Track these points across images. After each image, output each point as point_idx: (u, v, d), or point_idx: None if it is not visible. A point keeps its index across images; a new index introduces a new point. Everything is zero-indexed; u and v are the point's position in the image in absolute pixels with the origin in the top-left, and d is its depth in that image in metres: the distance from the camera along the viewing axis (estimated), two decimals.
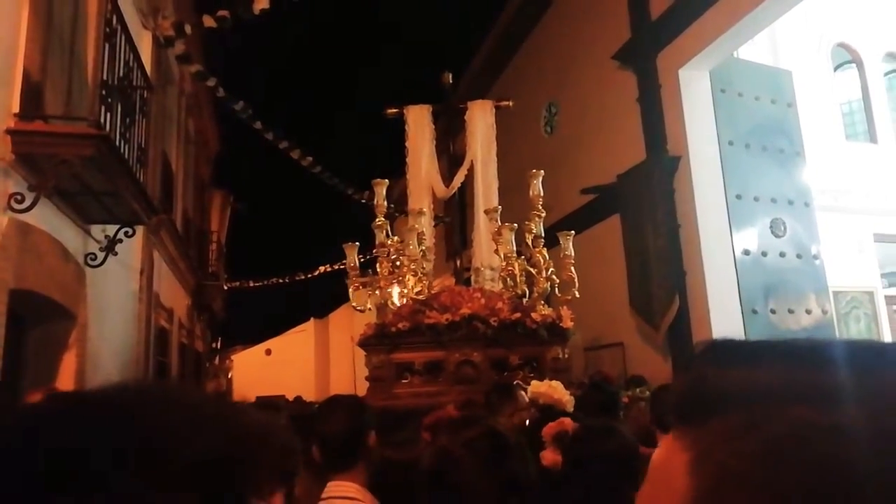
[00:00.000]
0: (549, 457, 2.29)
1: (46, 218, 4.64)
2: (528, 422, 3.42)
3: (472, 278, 7.53)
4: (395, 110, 7.97)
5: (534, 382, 3.89)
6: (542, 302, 6.53)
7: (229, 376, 24.52)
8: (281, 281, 21.19)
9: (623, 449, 2.01)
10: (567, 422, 2.39)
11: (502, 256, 6.77)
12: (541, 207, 6.90)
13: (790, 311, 7.97)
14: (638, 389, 6.23)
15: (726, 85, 8.35)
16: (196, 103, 12.56)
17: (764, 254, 8.04)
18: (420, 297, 6.66)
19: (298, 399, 11.52)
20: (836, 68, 10.88)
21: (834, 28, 10.67)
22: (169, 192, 9.48)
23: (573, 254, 6.73)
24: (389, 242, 6.96)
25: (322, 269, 20.79)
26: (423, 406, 5.23)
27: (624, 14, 9.21)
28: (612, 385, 6.13)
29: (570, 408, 3.63)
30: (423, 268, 7.04)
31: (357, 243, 7.12)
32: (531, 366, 6.20)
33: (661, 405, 3.06)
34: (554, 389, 3.68)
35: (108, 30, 4.67)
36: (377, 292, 6.92)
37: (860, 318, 9.61)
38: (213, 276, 14.59)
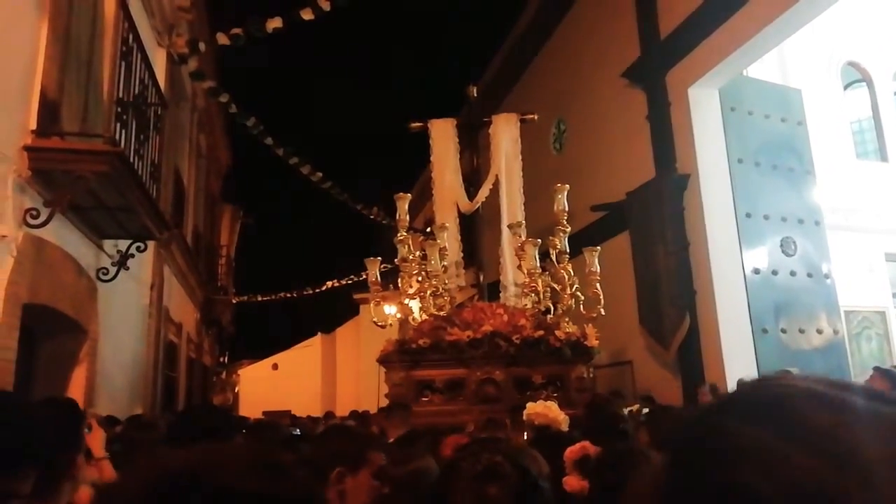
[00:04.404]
0: (575, 483, 2.24)
1: (60, 233, 4.67)
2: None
3: (501, 295, 7.44)
4: (419, 124, 7.91)
5: (529, 404, 3.86)
6: (567, 319, 6.45)
7: (236, 391, 24.49)
8: (289, 296, 21.23)
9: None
10: (589, 446, 2.35)
11: (525, 272, 6.70)
12: (565, 222, 6.86)
13: (801, 331, 7.91)
14: (633, 409, 6.08)
15: (736, 103, 8.36)
16: (208, 119, 12.67)
17: (774, 273, 8.00)
18: (441, 312, 6.59)
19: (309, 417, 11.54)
20: (846, 87, 10.87)
21: (843, 47, 10.68)
22: (180, 207, 9.54)
23: (598, 269, 6.67)
24: (411, 258, 6.89)
25: (330, 284, 20.84)
26: (443, 425, 5.15)
27: (633, 32, 9.25)
28: (610, 406, 6.05)
29: (565, 427, 3.60)
30: (445, 283, 6.97)
31: (379, 258, 7.06)
32: (555, 385, 6.11)
33: (659, 426, 3.03)
34: (549, 409, 3.65)
35: (124, 48, 4.74)
36: (395, 309, 6.87)
37: (872, 338, 9.53)
38: (222, 291, 14.63)
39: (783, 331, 7.82)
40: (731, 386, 6.94)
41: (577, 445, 2.36)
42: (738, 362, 7.43)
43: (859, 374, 8.48)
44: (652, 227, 8.44)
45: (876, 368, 5.90)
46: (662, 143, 8.58)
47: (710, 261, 7.79)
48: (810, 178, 8.61)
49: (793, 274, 8.10)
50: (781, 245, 8.14)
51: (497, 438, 2.35)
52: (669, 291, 8.06)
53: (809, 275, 8.20)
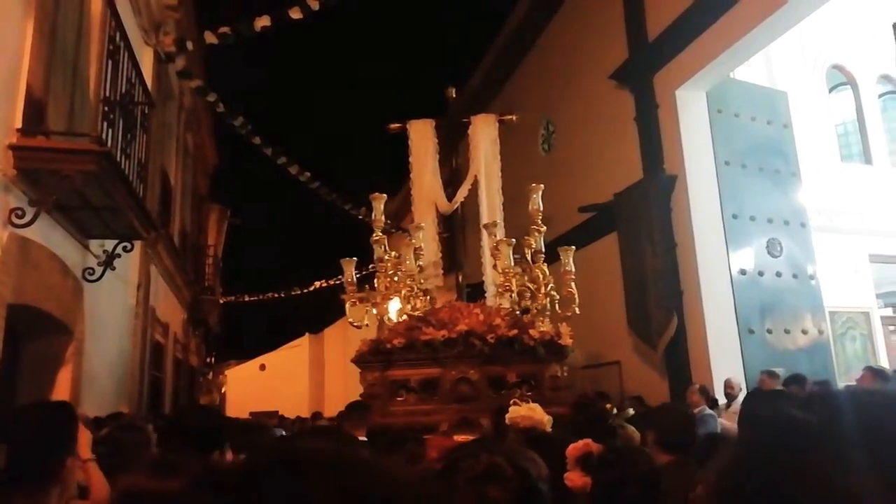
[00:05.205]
0: (578, 479, 2.25)
1: (46, 233, 4.63)
2: None
3: (487, 294, 7.47)
4: (397, 125, 7.91)
5: (513, 407, 3.87)
6: (542, 318, 6.48)
7: (223, 391, 24.35)
8: (276, 296, 21.13)
9: (653, 471, 2.01)
10: (591, 443, 2.36)
11: (500, 271, 6.73)
12: (540, 222, 6.89)
13: (786, 331, 7.99)
14: (615, 410, 6.07)
15: (723, 105, 8.42)
16: (195, 118, 12.59)
17: (760, 273, 8.07)
18: (417, 312, 6.61)
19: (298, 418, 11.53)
20: (831, 90, 10.98)
21: (829, 50, 10.79)
22: (167, 207, 9.47)
23: (574, 269, 6.71)
24: (387, 258, 6.92)
25: (317, 284, 20.75)
26: (418, 425, 5.18)
27: (621, 34, 9.30)
28: (595, 404, 6.10)
29: (549, 428, 3.61)
30: (421, 283, 7.00)
31: (354, 259, 7.08)
32: (529, 384, 6.14)
33: (662, 424, 3.04)
34: (534, 411, 3.65)
35: (111, 47, 4.70)
36: (373, 309, 6.88)
37: (856, 339, 9.63)
38: (209, 291, 14.55)
39: (769, 331, 7.89)
40: (718, 386, 7.01)
41: (581, 442, 2.37)
42: (724, 362, 7.49)
43: (843, 374, 8.58)
44: (639, 228, 8.48)
45: (868, 368, 5.97)
46: (650, 145, 8.63)
47: (697, 262, 7.85)
48: (796, 180, 8.69)
49: (778, 275, 8.17)
50: (767, 246, 8.21)
51: (495, 439, 2.35)
52: (657, 292, 8.11)
53: (795, 276, 8.28)
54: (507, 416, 3.66)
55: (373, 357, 6.28)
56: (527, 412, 3.60)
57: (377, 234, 6.95)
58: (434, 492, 0.57)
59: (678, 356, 7.95)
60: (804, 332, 8.10)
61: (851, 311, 9.68)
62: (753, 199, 8.25)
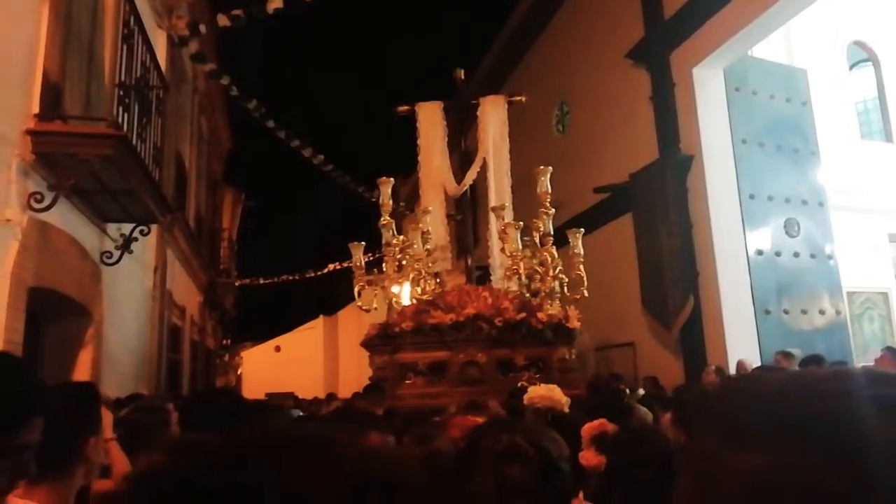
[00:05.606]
0: (592, 458, 2.27)
1: (64, 217, 4.67)
2: None
3: (492, 277, 7.50)
4: (406, 108, 7.91)
5: (532, 387, 3.89)
6: (550, 301, 6.47)
7: (239, 373, 24.62)
8: (291, 278, 21.28)
9: (666, 453, 2.02)
10: (606, 423, 2.37)
11: (508, 254, 6.73)
12: (549, 205, 6.86)
13: (803, 312, 7.93)
14: (628, 391, 6.06)
15: (740, 83, 8.30)
16: (209, 101, 12.60)
17: (777, 254, 8.00)
18: (425, 296, 6.63)
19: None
20: (851, 66, 10.78)
21: (849, 26, 10.58)
22: (182, 190, 9.52)
23: (582, 252, 6.69)
24: (395, 241, 6.94)
25: (332, 266, 20.85)
26: (426, 407, 5.21)
27: (637, 12, 9.17)
28: (610, 385, 6.10)
29: (566, 409, 3.62)
30: (430, 266, 7.02)
31: (363, 243, 7.12)
32: (537, 366, 6.15)
33: (684, 405, 3.03)
34: (553, 391, 3.67)
35: (125, 31, 4.71)
36: (381, 290, 6.92)
37: (874, 319, 9.54)
38: (225, 274, 14.66)
39: (786, 312, 7.84)
40: (733, 367, 6.98)
41: (596, 422, 2.39)
42: (740, 343, 7.46)
43: (861, 355, 8.51)
44: (655, 209, 8.42)
45: (888, 348, 5.88)
46: (666, 124, 8.54)
47: (714, 242, 7.79)
48: (815, 159, 8.57)
49: (796, 255, 8.10)
50: (785, 226, 8.13)
51: (515, 419, 2.35)
52: (672, 273, 8.07)
53: (812, 256, 8.20)
54: (526, 395, 3.67)
55: (381, 340, 6.34)
56: (546, 392, 3.61)
57: (385, 219, 6.98)
58: (423, 474, 0.55)
59: (693, 337, 7.92)
60: (821, 312, 8.04)
61: (870, 291, 9.58)
62: (771, 178, 8.15)
